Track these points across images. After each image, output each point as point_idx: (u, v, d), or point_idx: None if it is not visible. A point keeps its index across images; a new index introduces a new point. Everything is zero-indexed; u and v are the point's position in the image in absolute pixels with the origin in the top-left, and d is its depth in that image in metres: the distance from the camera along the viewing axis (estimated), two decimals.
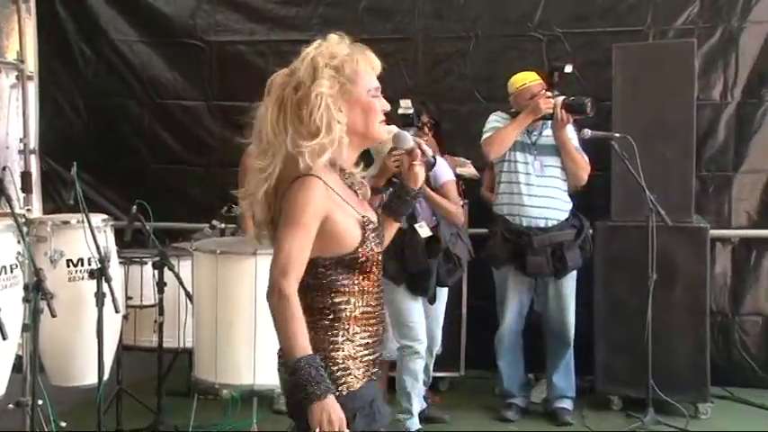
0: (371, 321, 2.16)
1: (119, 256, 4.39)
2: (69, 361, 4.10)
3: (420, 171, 2.32)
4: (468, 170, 5.17)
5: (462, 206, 4.93)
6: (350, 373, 2.10)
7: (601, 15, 5.29)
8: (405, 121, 3.99)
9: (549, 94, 4.45)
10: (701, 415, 4.62)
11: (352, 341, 2.12)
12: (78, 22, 5.84)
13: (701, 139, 5.04)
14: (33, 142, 5.92)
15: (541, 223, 4.51)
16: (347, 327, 2.12)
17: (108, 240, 4.21)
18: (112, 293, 3.78)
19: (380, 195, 3.91)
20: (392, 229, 2.39)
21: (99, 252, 3.83)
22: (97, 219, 4.17)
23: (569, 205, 4.60)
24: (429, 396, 4.67)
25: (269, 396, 4.46)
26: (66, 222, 4.21)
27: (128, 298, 4.56)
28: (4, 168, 4.36)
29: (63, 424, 3.81)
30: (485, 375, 5.08)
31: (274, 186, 2.12)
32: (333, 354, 2.09)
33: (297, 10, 5.67)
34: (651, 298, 4.36)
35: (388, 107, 2.20)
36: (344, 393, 2.08)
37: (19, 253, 3.88)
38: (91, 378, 3.95)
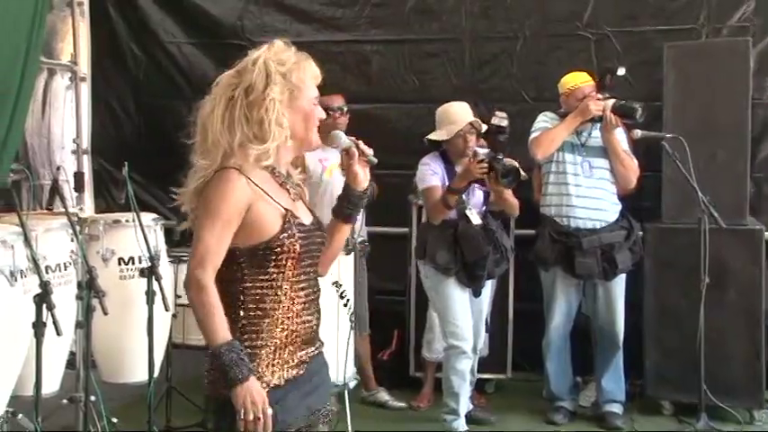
0: (291, 321, 2.16)
1: (168, 255, 4.44)
2: (120, 358, 4.17)
3: (360, 171, 2.32)
4: None
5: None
6: (265, 378, 2.11)
7: (652, 14, 5.21)
8: (497, 130, 4.03)
9: (599, 96, 4.40)
10: (757, 421, 4.52)
11: (263, 340, 2.13)
12: (129, 25, 5.92)
13: (756, 140, 4.93)
14: (86, 142, 6.01)
15: (590, 224, 4.46)
16: (258, 325, 2.13)
17: (158, 239, 4.26)
18: (162, 292, 3.83)
19: (458, 197, 4.02)
20: (344, 233, 2.39)
21: (149, 251, 3.88)
22: (147, 218, 4.23)
23: (618, 207, 4.55)
24: (474, 398, 4.65)
25: None
26: (117, 221, 4.28)
27: (177, 296, 4.61)
28: (58, 168, 4.46)
29: (114, 420, 3.86)
30: (531, 378, 5.05)
31: (205, 176, 2.15)
32: (252, 359, 2.10)
33: (343, 11, 5.68)
34: (704, 301, 4.28)
35: (323, 115, 2.27)
36: None
37: (72, 251, 3.96)
38: (141, 375, 4.01)
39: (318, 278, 2.30)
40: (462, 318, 4.20)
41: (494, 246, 4.23)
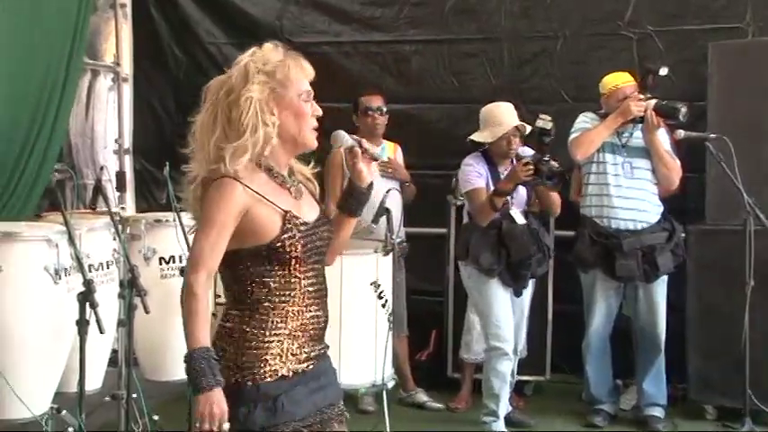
0: (298, 316, 2.21)
1: None
2: (161, 356, 4.21)
3: (363, 168, 2.36)
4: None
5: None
6: (259, 366, 2.16)
7: (695, 12, 5.12)
8: (542, 132, 4.03)
9: (641, 96, 4.35)
10: None
11: (270, 334, 2.18)
12: (171, 26, 5.98)
13: None
14: (128, 142, 6.09)
15: (631, 225, 4.41)
16: (265, 319, 2.18)
17: None
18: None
19: (506, 199, 4.04)
20: (349, 226, 2.43)
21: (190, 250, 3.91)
22: (188, 217, 4.26)
23: (660, 208, 4.49)
24: (513, 400, 4.62)
25: (353, 395, 4.51)
26: (158, 221, 4.33)
27: (216, 296, 4.64)
28: (101, 168, 4.53)
29: (156, 417, 3.90)
30: (571, 380, 5.00)
31: (202, 191, 2.20)
32: (245, 343, 2.16)
33: (382, 11, 5.68)
34: (748, 304, 4.20)
35: (319, 112, 2.28)
36: (249, 384, 2.15)
37: (115, 250, 4.01)
38: (182, 373, 3.96)
39: (325, 272, 2.34)
40: (504, 319, 4.18)
41: (537, 245, 4.21)
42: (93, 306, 3.25)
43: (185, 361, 2.09)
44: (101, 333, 3.25)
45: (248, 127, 2.16)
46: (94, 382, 3.82)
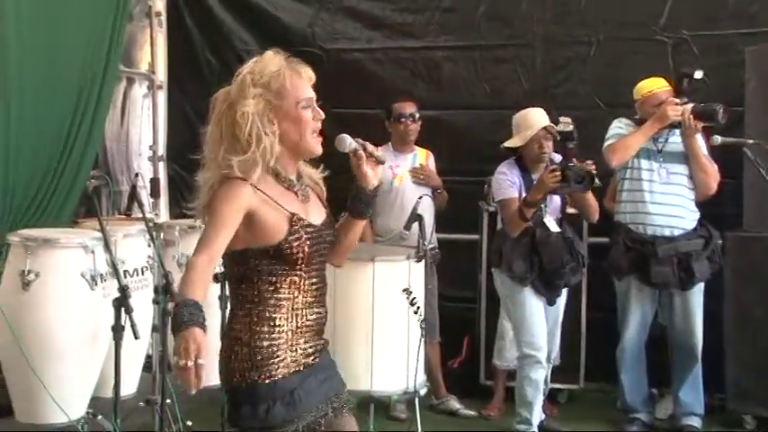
0: (303, 313, 2.31)
1: None
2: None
3: (369, 171, 2.41)
4: None
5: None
6: (272, 363, 2.25)
7: (732, 16, 5.07)
8: (565, 137, 4.00)
9: (677, 101, 4.30)
10: None
11: (279, 332, 2.27)
12: (205, 34, 6.02)
13: None
14: (162, 149, 6.15)
15: (666, 232, 4.36)
16: (273, 318, 2.27)
17: None
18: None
19: (536, 209, 4.02)
20: (357, 229, 2.51)
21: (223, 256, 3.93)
22: None
23: (696, 215, 4.43)
24: (547, 407, 4.58)
25: (385, 402, 4.51)
26: (192, 227, 4.33)
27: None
28: (136, 175, 4.57)
29: (189, 423, 3.93)
30: (605, 388, 4.95)
31: (210, 195, 2.28)
32: (257, 342, 2.25)
33: (414, 17, 5.68)
34: None
35: (321, 116, 2.34)
36: (266, 382, 2.24)
37: (149, 256, 4.05)
38: (215, 379, 4.00)
39: (326, 272, 2.43)
40: (538, 327, 4.16)
41: (570, 253, 4.17)
42: (129, 312, 3.29)
43: (172, 310, 2.12)
44: (135, 338, 3.28)
45: (252, 139, 2.24)
46: (129, 387, 3.85)
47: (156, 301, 3.83)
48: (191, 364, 2.03)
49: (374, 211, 4.67)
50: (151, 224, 3.99)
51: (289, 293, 2.29)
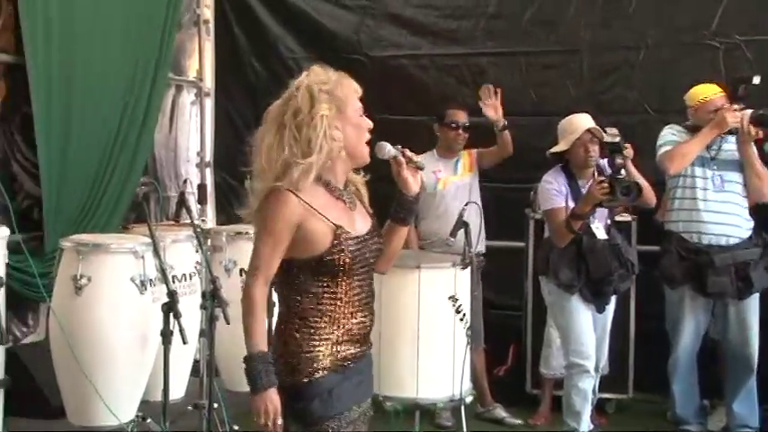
0: (346, 321, 2.38)
1: None
2: (242, 367, 4.25)
3: (409, 177, 2.47)
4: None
5: (630, 222, 4.81)
6: (313, 365, 2.35)
7: None
8: (612, 148, 3.95)
9: (735, 107, 4.21)
10: None
11: (321, 338, 2.36)
12: (251, 41, 6.07)
13: None
14: (209, 155, 6.22)
15: (722, 241, 4.27)
16: (316, 325, 2.36)
17: None
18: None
19: (583, 222, 3.97)
20: (401, 236, 2.57)
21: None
22: None
23: (751, 223, 4.35)
24: (594, 417, 4.52)
25: (431, 410, 4.49)
26: (239, 233, 4.39)
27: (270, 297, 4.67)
28: (185, 181, 4.63)
29: (236, 427, 3.96)
30: (655, 399, 4.87)
31: (260, 202, 2.37)
32: (301, 345, 2.35)
33: (459, 23, 5.67)
34: None
35: (370, 124, 2.43)
36: (305, 381, 2.35)
37: (197, 262, 4.09)
38: None
39: (373, 280, 2.49)
40: (586, 336, 4.10)
41: (619, 261, 4.11)
42: (177, 316, 3.33)
43: (244, 362, 2.34)
44: (184, 343, 3.32)
45: (317, 145, 2.31)
46: (177, 391, 3.90)
47: (203, 307, 3.87)
48: (270, 425, 2.30)
49: (418, 216, 4.67)
50: (199, 230, 4.03)
51: (331, 302, 2.36)
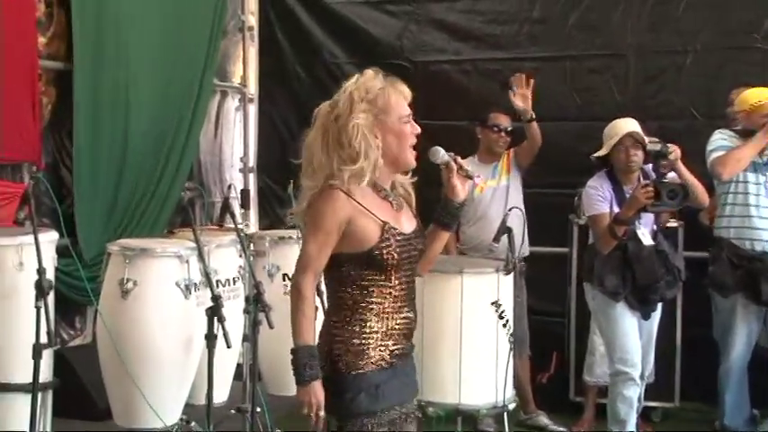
0: (392, 317, 2.44)
1: None
2: (285, 371, 4.19)
3: (457, 183, 2.53)
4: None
5: (676, 228, 4.73)
6: (361, 359, 2.40)
7: None
8: (656, 155, 3.90)
9: None
10: None
11: (369, 332, 2.41)
12: (295, 47, 6.12)
13: None
14: (252, 160, 6.27)
15: None
16: (364, 319, 2.41)
17: None
18: (324, 307, 3.89)
19: (627, 228, 3.92)
20: (442, 240, 2.63)
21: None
22: None
23: None
24: (640, 426, 4.45)
25: (474, 416, 4.46)
26: (282, 238, 4.42)
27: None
28: (229, 186, 4.67)
29: (279, 431, 3.97)
30: (702, 408, 4.79)
31: (309, 200, 2.44)
32: (350, 340, 2.41)
33: (503, 28, 5.65)
34: None
35: (418, 130, 2.47)
36: (353, 374, 2.40)
37: (240, 266, 4.12)
38: None
39: (416, 278, 2.56)
40: (631, 343, 4.04)
41: (666, 268, 4.05)
42: (221, 321, 3.35)
43: (291, 354, 2.40)
44: (228, 347, 3.35)
45: (361, 151, 2.37)
46: (221, 394, 3.92)
47: (246, 311, 3.90)
48: (313, 417, 2.38)
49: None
50: (242, 235, 4.06)
51: (379, 297, 2.43)
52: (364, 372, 2.41)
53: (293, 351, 2.40)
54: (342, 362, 2.41)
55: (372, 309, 2.42)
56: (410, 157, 2.47)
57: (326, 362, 2.42)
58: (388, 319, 2.44)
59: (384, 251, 2.39)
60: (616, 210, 4.02)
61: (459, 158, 2.55)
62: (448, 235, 2.66)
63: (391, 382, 2.45)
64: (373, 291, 2.42)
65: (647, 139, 3.98)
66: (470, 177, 2.55)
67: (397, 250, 2.42)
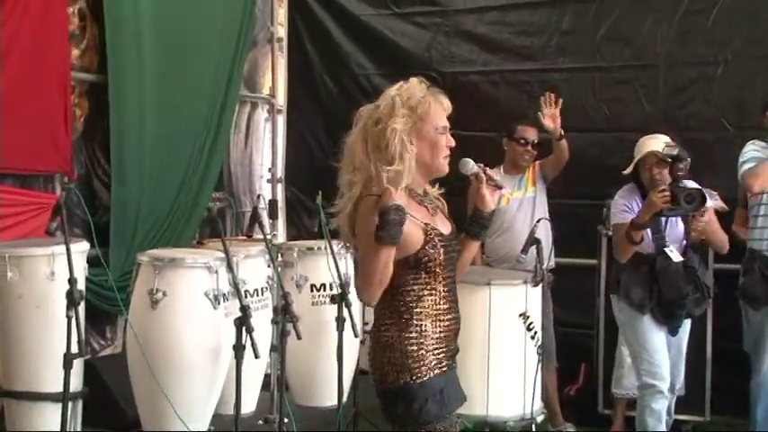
0: (442, 318, 2.49)
1: None
2: (312, 382, 4.29)
3: (487, 194, 2.60)
4: (716, 202, 4.86)
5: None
6: (422, 365, 2.44)
7: None
8: (673, 159, 3.86)
9: None
10: None
11: (424, 336, 2.46)
12: (324, 58, 6.15)
13: None
14: (280, 171, 6.31)
15: None
16: (419, 323, 2.46)
17: (348, 267, 4.37)
18: (351, 318, 3.91)
19: (642, 232, 3.88)
20: (472, 250, 2.69)
21: (340, 278, 3.99)
22: (338, 246, 4.34)
23: None
24: None
25: (501, 427, 4.44)
26: (310, 249, 4.43)
27: (365, 323, 4.69)
28: (258, 196, 4.69)
29: None
30: (733, 422, 4.72)
31: (354, 204, 2.48)
32: (407, 347, 2.44)
33: (532, 39, 5.63)
34: None
35: (452, 143, 2.54)
36: (417, 382, 2.43)
37: (269, 277, 4.14)
38: (330, 400, 4.11)
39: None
40: (659, 355, 4.00)
41: (694, 284, 4.00)
42: (249, 331, 3.36)
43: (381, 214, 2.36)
44: (256, 357, 3.35)
45: (396, 155, 2.43)
46: (249, 405, 3.94)
47: (275, 321, 3.92)
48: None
49: None
50: (271, 245, 4.07)
51: (430, 301, 2.48)
52: (428, 378, 2.44)
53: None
54: (403, 372, 2.44)
55: (425, 313, 2.47)
56: (443, 165, 2.53)
57: (387, 374, 2.46)
58: (438, 321, 2.49)
59: (431, 252, 2.45)
60: None
61: (488, 169, 2.61)
62: (478, 245, 2.72)
63: (451, 384, 2.51)
64: (423, 294, 2.47)
65: (663, 144, 3.93)
66: (499, 188, 2.62)
67: (442, 250, 2.47)
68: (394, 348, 2.45)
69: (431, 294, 2.48)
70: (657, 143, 4.01)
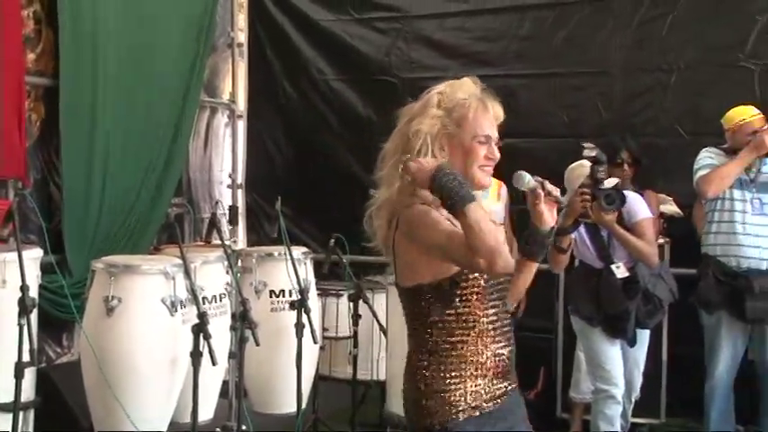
0: (477, 356, 2.17)
1: (317, 288, 4.53)
2: (270, 389, 4.27)
3: (545, 210, 2.25)
4: (671, 207, 4.94)
5: (663, 245, 4.74)
6: (449, 407, 2.14)
7: None
8: (593, 161, 3.81)
9: None
10: None
11: (452, 374, 2.15)
12: (284, 63, 6.14)
13: None
14: (240, 177, 6.27)
15: (763, 265, 4.16)
16: (446, 359, 2.15)
17: (307, 273, 4.37)
18: (311, 324, 3.90)
19: (569, 236, 3.73)
20: (530, 272, 2.35)
21: (299, 284, 3.98)
22: (298, 252, 4.34)
23: None
24: None
25: None
26: (270, 254, 4.42)
27: (324, 329, 4.69)
28: (216, 202, 4.66)
29: None
30: (687, 424, 4.78)
31: (391, 213, 2.20)
32: (432, 385, 2.15)
33: (491, 45, 5.67)
34: None
35: (496, 156, 2.23)
36: (438, 429, 2.14)
37: (227, 283, 4.11)
38: (290, 406, 4.10)
39: (509, 311, 2.29)
40: (612, 362, 4.03)
41: (644, 297, 4.04)
42: (207, 338, 3.34)
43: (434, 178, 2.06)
44: (213, 365, 3.33)
45: (420, 157, 2.16)
46: (206, 412, 3.90)
47: (233, 328, 3.89)
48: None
49: None
50: (229, 251, 4.05)
51: (463, 332, 2.17)
52: (455, 422, 2.14)
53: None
54: (429, 413, 2.16)
55: (454, 349, 2.16)
56: (480, 176, 2.23)
57: (416, 413, 2.19)
58: (473, 359, 2.16)
59: (470, 276, 2.14)
60: (587, 240, 4.05)
61: (547, 183, 2.27)
62: (536, 266, 2.35)
63: (490, 429, 2.18)
64: (456, 326, 2.15)
65: (584, 146, 3.89)
66: (559, 202, 2.30)
67: (485, 275, 2.15)
68: (419, 385, 2.17)
69: (465, 327, 2.16)
70: (579, 176, 3.91)
